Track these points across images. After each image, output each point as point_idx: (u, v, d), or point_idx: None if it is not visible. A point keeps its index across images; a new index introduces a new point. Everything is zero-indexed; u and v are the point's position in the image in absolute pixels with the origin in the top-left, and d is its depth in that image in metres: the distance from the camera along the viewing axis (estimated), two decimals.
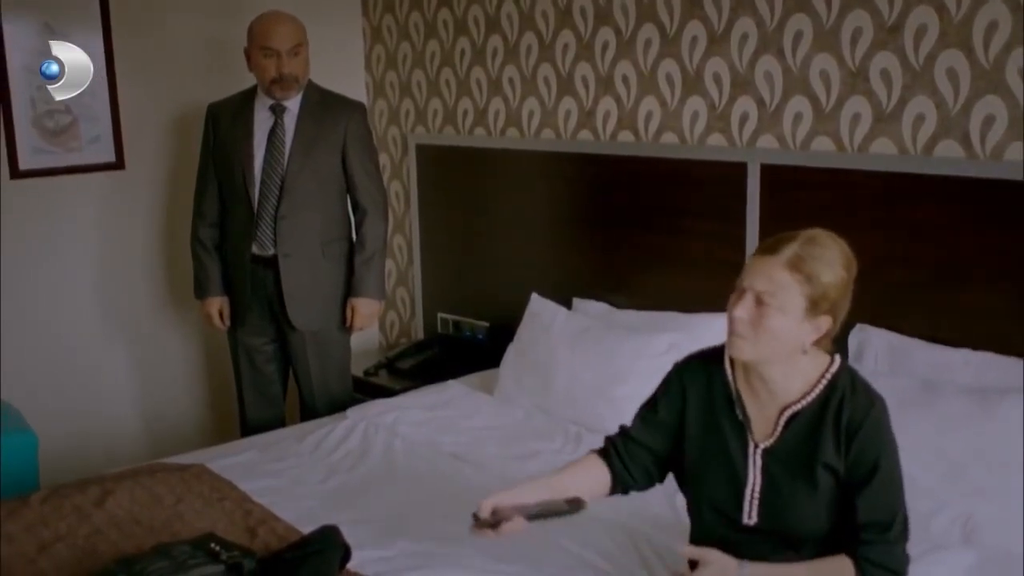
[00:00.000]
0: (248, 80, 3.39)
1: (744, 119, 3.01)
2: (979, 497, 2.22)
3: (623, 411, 2.80)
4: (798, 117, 2.88)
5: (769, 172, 2.93)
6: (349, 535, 2.18)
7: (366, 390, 3.67)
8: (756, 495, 1.82)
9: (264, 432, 3.24)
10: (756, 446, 1.82)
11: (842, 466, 1.76)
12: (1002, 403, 2.30)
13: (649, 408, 1.99)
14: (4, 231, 3.58)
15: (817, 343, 1.79)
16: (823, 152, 2.83)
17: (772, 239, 1.79)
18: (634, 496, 2.04)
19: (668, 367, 2.01)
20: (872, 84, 2.70)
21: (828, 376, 1.79)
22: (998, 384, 2.38)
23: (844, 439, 1.75)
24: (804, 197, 2.86)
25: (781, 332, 1.74)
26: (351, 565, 2.14)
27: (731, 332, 1.78)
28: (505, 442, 2.89)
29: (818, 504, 1.78)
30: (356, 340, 3.61)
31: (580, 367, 3.02)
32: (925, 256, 2.63)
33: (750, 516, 1.83)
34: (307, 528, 2.27)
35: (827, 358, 1.82)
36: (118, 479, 2.64)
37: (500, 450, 2.84)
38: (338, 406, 3.33)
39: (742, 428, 1.84)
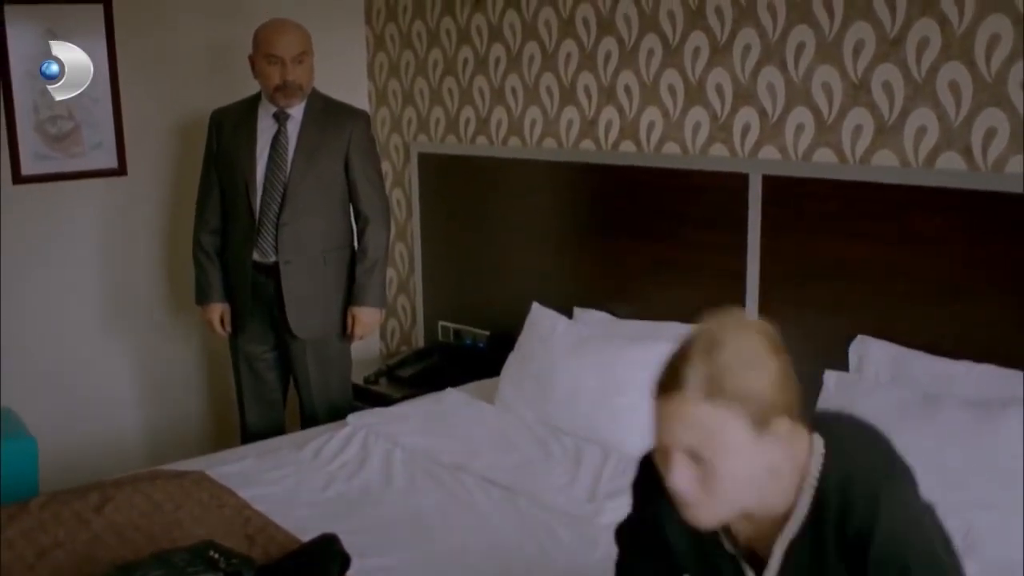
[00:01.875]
0: (252, 86, 3.39)
1: (746, 130, 3.01)
2: (980, 508, 2.21)
3: (623, 421, 2.84)
4: (800, 128, 2.88)
5: (771, 183, 2.93)
6: (348, 543, 2.18)
7: (366, 398, 3.67)
8: None
9: (264, 439, 3.24)
10: None
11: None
12: (1003, 415, 2.30)
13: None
14: (6, 236, 3.59)
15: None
16: (825, 164, 2.83)
17: (666, 365, 1.38)
18: None
19: None
20: (874, 96, 2.70)
21: (812, 482, 1.40)
22: (999, 396, 2.38)
23: (859, 551, 1.38)
24: (806, 208, 2.86)
25: (739, 474, 1.35)
26: (350, 574, 2.14)
27: (679, 504, 1.40)
28: (505, 451, 2.89)
29: None
30: (356, 347, 3.60)
31: (581, 376, 3.02)
32: (926, 268, 2.63)
33: None
34: (306, 536, 2.28)
35: (802, 442, 1.42)
36: (117, 485, 2.64)
37: (500, 459, 2.83)
38: (338, 414, 3.32)
39: (735, 560, 1.51)
